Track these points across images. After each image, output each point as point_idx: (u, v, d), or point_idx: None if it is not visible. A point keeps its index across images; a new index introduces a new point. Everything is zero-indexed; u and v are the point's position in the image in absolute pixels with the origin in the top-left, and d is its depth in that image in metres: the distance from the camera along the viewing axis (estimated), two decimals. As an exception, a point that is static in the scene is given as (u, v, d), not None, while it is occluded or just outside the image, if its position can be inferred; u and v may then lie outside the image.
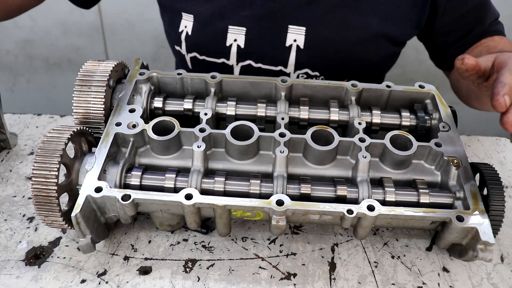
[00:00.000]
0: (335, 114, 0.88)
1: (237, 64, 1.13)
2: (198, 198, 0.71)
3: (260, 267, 0.78)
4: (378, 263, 0.80)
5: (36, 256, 0.81)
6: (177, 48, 1.21)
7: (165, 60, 2.40)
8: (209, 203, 0.71)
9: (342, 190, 0.75)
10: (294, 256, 0.80)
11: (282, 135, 0.80)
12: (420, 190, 0.76)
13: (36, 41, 2.45)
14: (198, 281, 0.76)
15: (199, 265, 0.78)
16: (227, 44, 1.10)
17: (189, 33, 1.14)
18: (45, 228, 0.86)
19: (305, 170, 0.81)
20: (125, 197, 0.71)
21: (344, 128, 0.89)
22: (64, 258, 0.80)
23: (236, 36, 1.09)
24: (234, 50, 1.10)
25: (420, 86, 0.92)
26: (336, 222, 0.75)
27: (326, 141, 0.80)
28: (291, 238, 0.84)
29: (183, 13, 1.14)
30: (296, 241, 0.83)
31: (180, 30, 1.16)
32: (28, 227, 0.86)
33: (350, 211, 0.71)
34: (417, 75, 2.10)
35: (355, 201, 0.74)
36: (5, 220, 0.88)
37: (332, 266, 0.79)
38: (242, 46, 1.10)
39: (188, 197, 0.72)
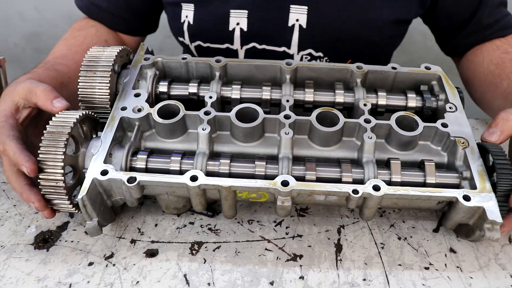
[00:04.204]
0: (340, 96, 0.88)
1: (241, 48, 1.13)
2: (203, 180, 0.71)
3: (266, 249, 0.78)
4: (385, 245, 0.79)
5: (45, 240, 0.82)
6: (181, 39, 1.21)
7: (171, 50, 2.40)
8: (214, 184, 0.71)
9: (347, 171, 0.75)
10: (300, 238, 0.80)
11: (287, 117, 0.80)
12: (427, 170, 0.76)
13: (43, 33, 2.46)
14: (204, 263, 0.76)
15: (205, 247, 0.79)
16: (230, 29, 1.10)
17: (191, 22, 1.13)
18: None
19: (310, 152, 0.81)
20: (131, 180, 0.72)
21: (350, 111, 0.89)
22: (72, 241, 0.81)
23: (238, 20, 1.09)
24: (237, 33, 1.10)
25: (426, 68, 0.91)
26: (342, 203, 0.75)
27: (332, 122, 0.80)
28: (297, 221, 0.84)
29: (182, 4, 1.14)
30: (302, 223, 0.83)
31: (182, 21, 1.16)
32: (37, 212, 0.87)
33: (355, 191, 0.71)
34: (425, 62, 2.08)
35: (361, 182, 0.74)
36: (14, 205, 0.89)
37: (338, 248, 0.79)
38: (245, 29, 1.09)
39: (194, 178, 0.72)
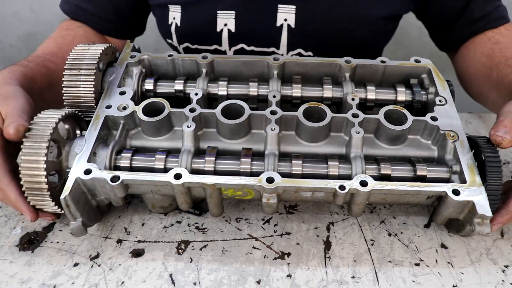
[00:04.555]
0: (328, 91, 0.86)
1: (229, 49, 1.11)
2: (187, 178, 0.70)
3: (253, 247, 0.77)
4: (375, 241, 0.78)
5: (30, 242, 0.81)
6: (169, 41, 1.20)
7: (166, 50, 2.39)
8: (198, 182, 0.70)
9: (334, 167, 0.74)
10: (288, 235, 0.79)
11: (273, 112, 0.79)
12: (416, 165, 0.74)
13: (39, 34, 2.45)
14: (190, 262, 0.75)
15: (192, 246, 0.77)
16: (218, 30, 1.09)
17: (178, 24, 1.12)
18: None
19: (298, 148, 0.79)
20: (114, 179, 0.71)
21: (339, 106, 0.88)
22: (58, 242, 0.80)
23: (226, 21, 1.08)
24: (225, 34, 1.09)
25: (416, 61, 0.89)
26: (329, 199, 0.73)
27: (319, 118, 0.78)
28: (285, 218, 0.82)
29: (169, 6, 1.12)
30: (291, 221, 0.82)
31: (169, 23, 1.14)
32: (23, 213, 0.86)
33: (342, 187, 0.69)
34: (421, 56, 2.06)
35: (349, 177, 0.73)
36: (0, 207, 0.88)
37: (327, 245, 0.77)
38: (233, 30, 1.08)
39: (177, 176, 0.71)
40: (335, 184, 0.70)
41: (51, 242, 0.80)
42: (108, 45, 0.90)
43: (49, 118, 0.75)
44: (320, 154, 0.79)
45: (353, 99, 0.83)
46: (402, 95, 0.87)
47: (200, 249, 0.77)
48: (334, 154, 0.79)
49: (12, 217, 0.86)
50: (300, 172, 0.73)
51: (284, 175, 0.71)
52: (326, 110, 0.79)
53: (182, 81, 0.89)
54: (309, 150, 0.79)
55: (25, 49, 2.51)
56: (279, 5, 1.05)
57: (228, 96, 0.87)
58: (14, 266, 0.76)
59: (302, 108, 0.79)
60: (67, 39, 1.11)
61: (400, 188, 0.70)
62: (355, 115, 0.79)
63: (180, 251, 0.77)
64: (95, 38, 1.17)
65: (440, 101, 0.83)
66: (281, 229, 0.80)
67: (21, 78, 0.86)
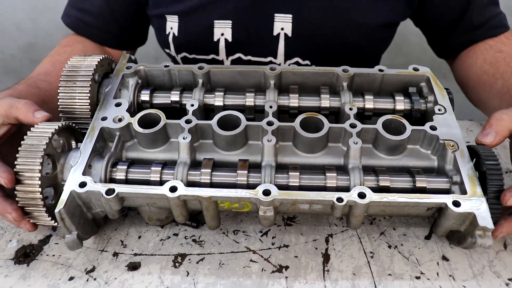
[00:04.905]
0: (326, 101, 0.86)
1: (227, 59, 1.11)
2: (182, 190, 0.69)
3: (251, 260, 0.76)
4: (374, 254, 0.77)
5: (26, 255, 0.80)
6: (167, 51, 1.20)
7: (166, 59, 2.40)
8: (194, 195, 0.69)
9: (332, 178, 0.73)
10: (286, 248, 0.78)
11: (269, 123, 0.78)
12: (416, 176, 0.73)
13: (39, 44, 2.46)
14: (187, 276, 0.74)
15: (189, 259, 0.76)
16: (215, 39, 1.09)
17: (176, 34, 1.12)
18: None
19: (295, 159, 0.79)
20: (109, 191, 0.70)
21: (337, 115, 0.87)
22: (53, 255, 0.79)
23: (222, 30, 1.07)
24: (222, 44, 1.09)
25: (415, 69, 0.88)
26: (327, 211, 0.72)
27: (316, 128, 0.77)
28: (284, 230, 0.81)
29: (167, 16, 1.13)
30: (289, 233, 0.81)
31: (167, 33, 1.14)
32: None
33: (340, 199, 0.68)
34: (422, 65, 2.06)
35: (347, 189, 0.72)
36: (-3, 220, 0.88)
37: (326, 258, 0.76)
38: (230, 39, 1.08)
39: (173, 189, 0.70)
40: (332, 196, 0.68)
41: (47, 255, 0.79)
42: (104, 56, 0.89)
43: (43, 131, 0.74)
44: (317, 165, 0.78)
45: (351, 109, 0.82)
46: (401, 104, 0.86)
47: (197, 262, 0.76)
48: (332, 165, 0.78)
49: (8, 230, 0.85)
50: (297, 184, 0.72)
51: (281, 187, 0.70)
52: (323, 120, 0.78)
53: (178, 92, 0.88)
54: (306, 161, 0.78)
55: (26, 59, 2.52)
56: (275, 14, 1.05)
57: (225, 107, 0.86)
58: (9, 280, 0.75)
59: (299, 118, 0.78)
60: (63, 56, 1.11)
61: (399, 200, 0.69)
62: (353, 125, 0.78)
63: (177, 264, 0.76)
64: (94, 52, 1.17)
65: (439, 110, 0.82)
66: (279, 242, 0.79)
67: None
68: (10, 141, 0.82)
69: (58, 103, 0.83)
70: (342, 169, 0.76)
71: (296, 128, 0.76)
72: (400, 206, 0.70)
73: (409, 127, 0.77)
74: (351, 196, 0.69)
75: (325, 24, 1.05)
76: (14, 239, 0.83)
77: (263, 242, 0.79)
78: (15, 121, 0.79)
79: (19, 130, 0.82)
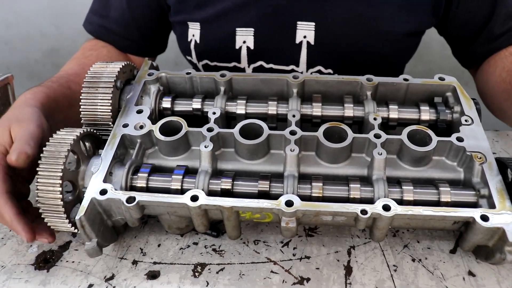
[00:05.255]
0: (349, 110, 0.84)
1: (248, 67, 1.10)
2: (204, 200, 0.69)
3: (271, 271, 0.75)
4: (398, 267, 0.75)
5: (46, 260, 0.80)
6: (189, 58, 1.20)
7: (187, 65, 2.41)
8: (216, 204, 0.68)
9: (355, 189, 0.71)
10: (308, 259, 0.77)
11: (292, 133, 0.77)
12: (441, 188, 0.71)
13: (62, 49, 2.49)
14: (207, 286, 0.73)
15: (209, 269, 0.75)
16: (237, 47, 1.08)
17: (198, 41, 1.12)
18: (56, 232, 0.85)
19: (318, 169, 0.77)
20: (130, 200, 0.70)
21: (360, 125, 0.85)
22: (73, 262, 0.79)
23: (244, 38, 1.07)
24: (244, 52, 1.08)
25: (440, 79, 0.87)
26: (351, 223, 0.71)
27: (340, 138, 0.76)
28: (305, 241, 0.80)
29: (189, 23, 1.13)
30: (310, 244, 0.79)
31: (189, 40, 1.14)
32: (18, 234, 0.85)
33: (364, 212, 0.67)
34: (444, 73, 2.03)
35: (371, 201, 0.70)
36: (18, 224, 0.88)
37: (348, 270, 0.74)
38: (252, 47, 1.07)
39: (194, 198, 0.69)
40: (356, 208, 0.67)
41: (67, 261, 0.79)
42: (126, 63, 0.89)
43: (64, 138, 0.74)
44: (341, 176, 0.77)
45: (375, 119, 0.80)
46: (426, 114, 0.84)
47: (217, 272, 0.75)
48: (355, 176, 0.76)
49: (29, 236, 0.85)
50: (321, 195, 0.71)
51: (303, 197, 0.69)
52: (347, 130, 0.77)
53: (200, 100, 0.87)
54: (329, 171, 0.77)
55: (49, 64, 2.55)
56: (298, 22, 1.04)
57: (247, 115, 0.85)
58: (30, 286, 0.75)
59: (322, 128, 0.77)
60: (90, 60, 1.11)
61: (425, 213, 0.67)
62: (377, 136, 0.76)
63: (197, 274, 0.75)
64: (118, 57, 1.18)
65: (466, 120, 0.80)
66: (300, 253, 0.78)
67: (43, 100, 0.87)
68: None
69: (80, 109, 0.83)
70: (365, 180, 0.75)
71: (320, 138, 0.75)
72: (426, 220, 0.69)
73: (435, 138, 0.75)
74: (376, 208, 0.67)
75: (348, 33, 1.03)
76: (35, 244, 0.83)
77: (284, 253, 0.78)
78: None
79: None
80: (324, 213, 0.68)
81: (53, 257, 0.80)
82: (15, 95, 1.75)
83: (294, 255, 0.77)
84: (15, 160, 0.73)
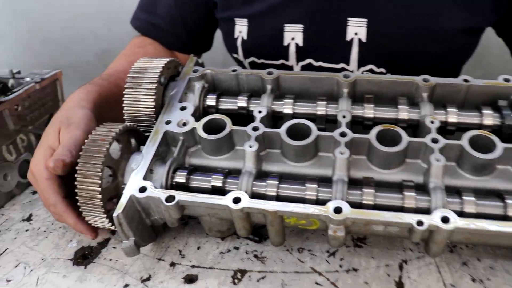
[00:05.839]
0: (404, 113, 0.78)
1: (296, 64, 1.06)
2: (246, 202, 0.65)
3: (316, 283, 0.70)
4: (455, 287, 0.68)
5: (84, 256, 0.79)
6: (235, 55, 1.17)
7: (232, 65, 2.39)
8: (259, 208, 0.64)
9: (410, 198, 0.65)
10: (355, 272, 0.71)
11: (343, 134, 0.72)
12: (507, 201, 0.64)
13: (113, 51, 2.52)
14: (246, 293, 0.69)
15: (249, 276, 0.72)
16: (285, 44, 1.04)
17: (244, 37, 1.09)
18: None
19: (369, 175, 0.72)
20: (169, 199, 0.67)
21: (415, 129, 0.79)
22: (111, 260, 0.77)
23: (293, 34, 1.02)
24: (292, 49, 1.04)
25: (506, 80, 0.79)
26: (404, 235, 0.65)
27: (393, 141, 0.70)
28: (353, 252, 0.75)
29: (236, 19, 1.10)
30: (359, 255, 0.74)
31: (235, 37, 1.11)
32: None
33: (420, 223, 0.61)
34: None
35: (427, 211, 0.64)
36: (60, 218, 0.88)
37: (399, 286, 0.69)
38: (301, 44, 1.03)
39: (236, 200, 0.65)
40: (412, 218, 0.61)
41: (104, 258, 0.77)
42: (170, 59, 0.87)
43: (110, 128, 0.73)
44: (393, 183, 0.71)
45: (432, 122, 0.74)
46: (489, 118, 0.77)
47: (258, 280, 0.71)
48: (409, 183, 0.70)
49: (69, 230, 0.85)
50: (372, 203, 0.66)
51: (353, 204, 0.64)
52: (401, 133, 0.71)
53: (246, 98, 0.84)
54: (381, 177, 0.72)
55: (101, 65, 2.59)
56: (349, 18, 0.98)
57: (294, 115, 0.81)
58: (67, 281, 0.74)
59: (374, 130, 0.72)
60: (137, 57, 1.10)
61: (490, 228, 0.60)
62: (434, 140, 0.70)
63: (236, 280, 0.71)
64: (165, 55, 1.17)
65: (536, 127, 0.72)
66: (347, 264, 0.72)
67: (96, 100, 0.87)
68: None
69: (123, 105, 0.82)
70: (421, 189, 0.69)
71: (372, 141, 0.70)
72: (490, 235, 0.62)
73: (500, 145, 0.68)
74: (433, 219, 0.61)
75: (402, 30, 0.97)
76: (75, 239, 0.82)
77: (330, 263, 0.73)
78: None
79: None
80: (375, 222, 0.62)
81: (91, 254, 0.79)
82: (66, 95, 1.78)
83: (340, 266, 0.72)
84: (52, 168, 0.73)
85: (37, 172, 0.76)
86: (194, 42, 1.22)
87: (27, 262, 0.79)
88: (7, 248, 0.83)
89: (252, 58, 1.11)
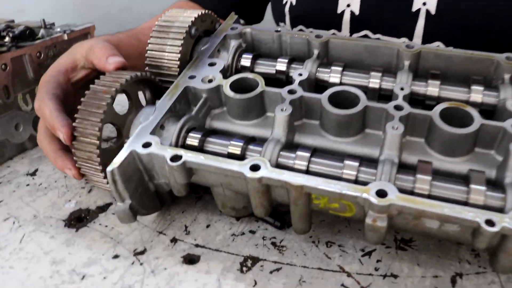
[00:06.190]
0: (477, 94, 0.63)
1: (350, 36, 0.92)
2: (266, 172, 0.52)
3: (342, 285, 0.56)
4: (524, 315, 0.52)
5: (79, 219, 0.69)
6: (282, 24, 1.05)
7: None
8: (281, 179, 0.51)
9: (478, 193, 0.50)
10: (394, 279, 0.56)
11: (398, 107, 0.58)
12: None
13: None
14: (254, 286, 0.56)
15: (261, 266, 0.59)
16: (339, 11, 0.90)
17: (293, 3, 0.97)
18: (99, 191, 0.74)
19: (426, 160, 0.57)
20: (175, 158, 0.55)
21: (490, 115, 0.64)
22: (106, 226, 0.67)
23: (349, 1, 0.89)
24: (347, 17, 0.90)
25: None
26: (465, 238, 0.50)
27: (462, 124, 0.56)
28: (394, 254, 0.60)
29: None
30: (401, 259, 0.59)
31: (284, 2, 1.00)
32: (83, 187, 0.76)
33: (490, 222, 0.46)
34: None
35: (499, 210, 0.49)
36: (65, 176, 0.79)
37: (450, 305, 0.53)
38: (357, 12, 0.89)
39: (255, 168, 0.53)
40: (479, 216, 0.46)
41: (100, 224, 0.67)
42: (206, 11, 0.76)
43: (119, 76, 0.63)
44: (456, 174, 0.56)
45: (516, 107, 0.59)
46: None
47: (270, 272, 0.58)
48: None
49: (71, 189, 0.76)
50: (427, 192, 0.51)
51: (402, 190, 0.50)
52: (473, 114, 0.56)
53: (286, 61, 0.72)
54: (442, 165, 0.57)
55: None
56: None
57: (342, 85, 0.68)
58: (52, 242, 0.65)
59: (439, 107, 0.57)
60: None
61: None
62: (518, 127, 0.55)
63: (244, 268, 0.58)
64: None
65: None
66: (385, 268, 0.58)
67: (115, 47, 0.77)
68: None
69: (146, 55, 0.72)
70: (492, 184, 0.54)
71: (434, 119, 0.56)
72: None
73: None
74: (509, 220, 0.46)
75: (480, 2, 0.81)
76: (74, 200, 0.73)
77: (363, 264, 0.58)
78: (92, 66, 0.69)
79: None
80: (429, 215, 0.48)
81: (87, 217, 0.69)
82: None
83: (376, 269, 0.58)
84: (117, 62, 0.67)
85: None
86: (241, 11, 1.11)
87: (18, 217, 0.70)
88: (1, 201, 0.75)
89: (300, 27, 0.98)
